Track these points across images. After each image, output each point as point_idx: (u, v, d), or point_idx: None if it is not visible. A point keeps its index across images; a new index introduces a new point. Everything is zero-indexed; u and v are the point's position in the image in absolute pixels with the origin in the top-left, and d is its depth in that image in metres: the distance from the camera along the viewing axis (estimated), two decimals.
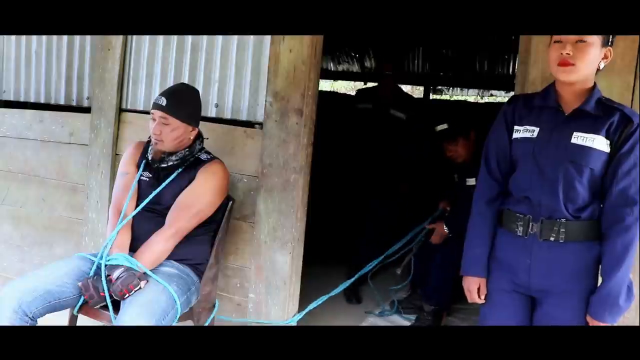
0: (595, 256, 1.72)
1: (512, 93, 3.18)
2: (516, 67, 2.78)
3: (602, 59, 1.69)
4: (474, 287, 1.85)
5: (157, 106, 2.19)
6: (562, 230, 1.70)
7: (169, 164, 2.24)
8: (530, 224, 1.75)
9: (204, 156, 2.29)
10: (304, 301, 2.71)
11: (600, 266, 1.72)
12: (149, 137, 2.31)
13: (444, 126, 3.12)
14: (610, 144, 1.67)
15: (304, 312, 2.64)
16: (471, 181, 3.01)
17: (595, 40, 1.64)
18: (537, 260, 1.74)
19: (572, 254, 1.71)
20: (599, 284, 1.71)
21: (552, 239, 1.72)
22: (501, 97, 7.13)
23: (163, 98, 2.19)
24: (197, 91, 2.36)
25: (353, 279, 3.18)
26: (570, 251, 1.71)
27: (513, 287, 1.80)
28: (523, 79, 2.23)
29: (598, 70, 1.72)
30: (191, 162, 2.26)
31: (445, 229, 3.12)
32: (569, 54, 1.63)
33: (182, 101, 2.22)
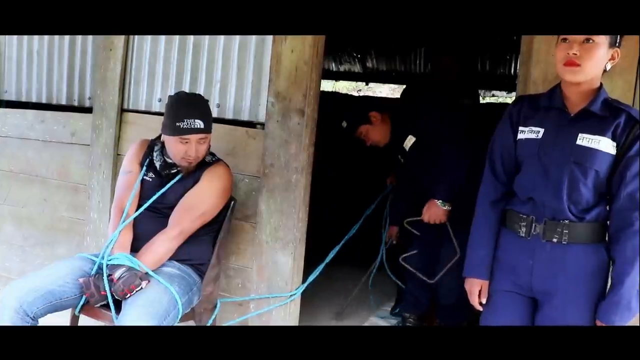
0: (601, 259, 1.70)
1: (513, 93, 3.16)
2: (518, 67, 2.77)
3: (609, 59, 1.67)
4: (475, 289, 1.84)
5: (194, 131, 2.12)
6: (565, 231, 1.69)
7: (178, 168, 2.24)
8: (534, 224, 1.73)
9: (208, 157, 2.28)
10: (305, 301, 2.70)
11: (606, 269, 1.70)
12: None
13: (344, 124, 2.96)
14: (617, 146, 1.65)
15: (306, 284, 2.63)
16: (408, 141, 2.82)
17: (602, 40, 1.62)
18: (540, 261, 1.72)
19: (575, 256, 1.69)
20: (608, 289, 1.69)
21: (555, 240, 1.70)
22: (503, 97, 7.12)
23: (198, 121, 2.12)
24: (201, 95, 2.36)
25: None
26: (574, 253, 1.69)
27: (514, 289, 1.78)
28: (525, 80, 2.22)
29: (604, 71, 1.70)
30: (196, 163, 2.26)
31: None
32: (575, 54, 1.61)
33: (207, 113, 2.21)
